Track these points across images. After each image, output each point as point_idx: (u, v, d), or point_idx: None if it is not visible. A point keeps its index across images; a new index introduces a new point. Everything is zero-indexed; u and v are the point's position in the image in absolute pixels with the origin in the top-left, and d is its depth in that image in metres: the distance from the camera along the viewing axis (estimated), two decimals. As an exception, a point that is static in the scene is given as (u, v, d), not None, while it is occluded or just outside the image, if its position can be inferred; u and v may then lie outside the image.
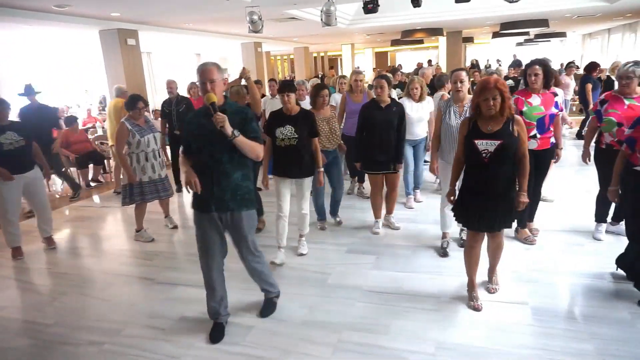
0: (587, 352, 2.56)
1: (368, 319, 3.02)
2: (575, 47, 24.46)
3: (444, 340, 2.74)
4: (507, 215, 2.90)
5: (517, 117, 2.83)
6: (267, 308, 3.16)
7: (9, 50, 11.68)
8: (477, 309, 3.02)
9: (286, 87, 3.72)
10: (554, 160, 3.98)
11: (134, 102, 4.41)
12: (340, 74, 16.45)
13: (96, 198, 6.72)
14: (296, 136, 3.68)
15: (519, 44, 23.54)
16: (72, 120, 7.56)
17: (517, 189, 2.87)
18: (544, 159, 3.80)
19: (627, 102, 3.55)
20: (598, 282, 3.31)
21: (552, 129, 3.71)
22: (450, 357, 2.59)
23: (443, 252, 3.91)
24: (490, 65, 19.08)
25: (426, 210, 5.07)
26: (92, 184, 7.43)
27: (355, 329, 2.91)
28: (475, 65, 16.06)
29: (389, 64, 26.51)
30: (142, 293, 3.60)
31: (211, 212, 2.70)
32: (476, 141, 2.78)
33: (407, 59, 26.77)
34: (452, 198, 3.09)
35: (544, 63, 3.65)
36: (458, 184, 3.10)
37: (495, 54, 23.45)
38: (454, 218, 3.11)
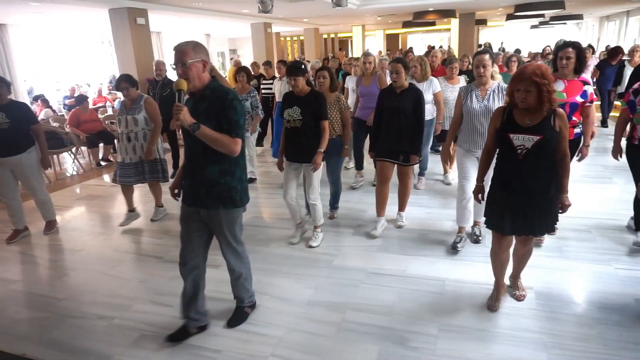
0: (590, 336, 2.57)
1: (372, 300, 3.05)
2: (592, 30, 23.88)
3: (447, 322, 2.76)
4: (547, 218, 2.57)
5: (560, 110, 2.47)
6: (236, 318, 2.86)
7: (20, 31, 11.69)
8: (491, 309, 2.85)
9: (293, 70, 3.56)
10: (577, 157, 3.54)
11: (117, 82, 4.41)
12: (351, 56, 16.25)
13: (106, 177, 6.80)
14: (300, 118, 3.57)
15: (534, 26, 23.02)
16: (82, 100, 7.60)
17: (559, 190, 2.56)
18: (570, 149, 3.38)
19: None
20: (603, 268, 3.30)
21: (574, 118, 3.37)
22: (453, 339, 2.62)
23: (453, 247, 3.66)
24: (504, 48, 18.73)
25: (434, 194, 5.07)
26: (103, 163, 7.50)
27: (359, 309, 2.95)
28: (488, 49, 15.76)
29: (399, 47, 26.14)
30: (151, 270, 3.67)
31: (189, 205, 2.55)
32: (511, 135, 2.46)
33: (418, 42, 26.37)
34: (480, 195, 2.86)
35: (578, 46, 3.33)
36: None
37: (509, 37, 22.99)
38: (484, 221, 2.76)
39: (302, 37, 20.76)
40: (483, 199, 2.86)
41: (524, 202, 2.54)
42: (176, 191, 2.69)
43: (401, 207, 4.26)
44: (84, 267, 3.81)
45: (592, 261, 3.41)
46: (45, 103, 9.72)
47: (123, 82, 4.31)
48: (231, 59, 8.03)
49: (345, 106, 4.12)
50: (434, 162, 5.80)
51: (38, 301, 3.31)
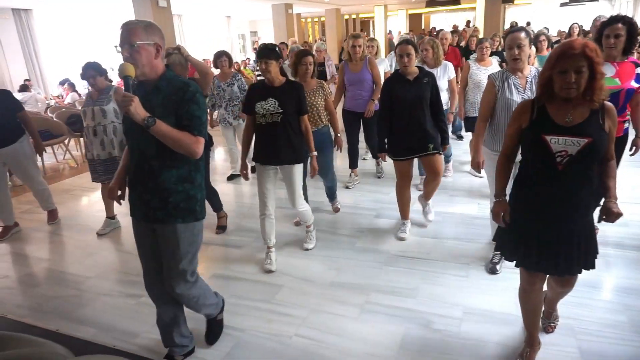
0: (621, 323, 2.51)
1: (396, 282, 3.04)
2: (626, 7, 22.84)
3: (471, 306, 2.73)
4: (591, 249, 1.96)
5: (609, 105, 1.87)
6: (213, 332, 2.56)
7: (45, 16, 11.86)
8: None
9: (264, 52, 2.98)
10: (631, 152, 3.13)
11: (84, 70, 3.92)
12: (371, 36, 15.95)
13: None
14: (280, 111, 3.02)
15: (564, 4, 22.13)
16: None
17: (606, 196, 1.94)
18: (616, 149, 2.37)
19: None
20: (635, 254, 3.20)
21: (628, 110, 2.93)
22: (477, 322, 2.59)
23: (491, 270, 3.08)
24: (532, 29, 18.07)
25: (457, 177, 4.99)
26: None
27: (382, 291, 2.94)
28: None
29: (422, 27, 25.55)
30: (176, 251, 3.73)
31: (139, 220, 2.15)
32: (548, 137, 1.83)
33: (442, 21, 25.73)
34: (503, 217, 2.05)
35: (629, 21, 2.78)
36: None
37: (537, 16, 22.17)
38: (500, 253, 2.22)
39: (323, 18, 20.50)
40: (506, 219, 2.05)
41: (560, 231, 1.91)
42: (119, 193, 2.23)
43: (428, 195, 3.77)
44: (111, 247, 3.91)
45: (623, 246, 3.32)
46: (72, 87, 9.90)
47: (91, 70, 3.88)
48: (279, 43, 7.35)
49: (329, 92, 3.80)
50: (455, 148, 5.71)
51: (69, 279, 3.41)
